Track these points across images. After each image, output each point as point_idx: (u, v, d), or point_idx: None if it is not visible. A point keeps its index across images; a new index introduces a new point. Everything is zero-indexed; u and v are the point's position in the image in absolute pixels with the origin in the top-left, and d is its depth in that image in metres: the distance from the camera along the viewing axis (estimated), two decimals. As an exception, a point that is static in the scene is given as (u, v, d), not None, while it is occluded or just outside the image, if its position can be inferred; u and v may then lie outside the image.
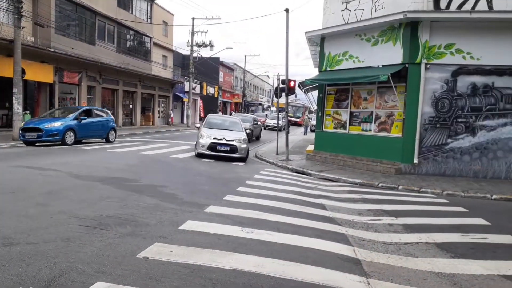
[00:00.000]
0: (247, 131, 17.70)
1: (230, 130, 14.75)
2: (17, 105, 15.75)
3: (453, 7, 11.64)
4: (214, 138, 13.47)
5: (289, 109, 42.63)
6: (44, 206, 5.64)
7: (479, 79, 11.69)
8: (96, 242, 4.28)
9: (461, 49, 11.65)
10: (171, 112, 36.34)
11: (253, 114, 37.70)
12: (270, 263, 4.11)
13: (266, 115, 42.85)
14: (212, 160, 13.04)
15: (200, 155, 13.51)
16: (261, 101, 66.67)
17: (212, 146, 13.28)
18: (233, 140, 13.58)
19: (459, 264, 4.65)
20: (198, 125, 15.31)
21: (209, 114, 16.36)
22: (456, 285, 4.05)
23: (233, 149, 13.42)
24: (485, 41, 11.49)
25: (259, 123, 27.38)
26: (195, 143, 15.12)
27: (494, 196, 9.28)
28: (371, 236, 5.69)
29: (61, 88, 21.92)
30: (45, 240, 4.23)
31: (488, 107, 11.69)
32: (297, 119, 46.05)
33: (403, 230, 6.15)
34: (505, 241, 5.73)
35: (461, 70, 11.77)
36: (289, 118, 35.66)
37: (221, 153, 13.32)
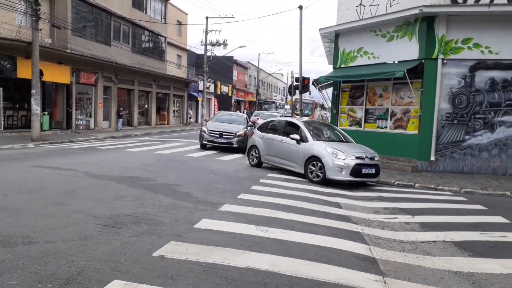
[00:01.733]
0: (240, 134, 15.36)
1: (344, 141, 10.94)
2: (36, 106, 16.06)
3: (471, 0, 11.39)
4: (356, 157, 9.45)
5: (297, 106, 39.61)
6: (62, 205, 5.74)
7: (498, 74, 11.43)
8: (112, 240, 4.34)
9: (479, 43, 11.40)
10: (190, 111, 36.54)
11: (267, 112, 35.83)
12: (285, 261, 4.10)
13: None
14: (226, 159, 13.07)
15: (326, 182, 9.47)
16: (275, 99, 66.48)
17: (357, 170, 9.31)
18: (374, 158, 9.87)
19: (478, 263, 4.56)
20: (299, 138, 10.36)
21: (304, 122, 11.39)
22: (475, 284, 3.98)
23: (377, 170, 9.77)
24: (504, 35, 11.22)
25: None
26: (247, 151, 12.35)
27: (514, 194, 9.07)
28: (387, 235, 5.63)
29: (78, 89, 22.25)
30: (63, 238, 4.30)
31: (508, 102, 11.42)
32: (306, 117, 38.72)
33: (420, 228, 6.06)
34: (526, 239, 5.60)
35: (479, 65, 11.52)
36: (297, 115, 32.92)
37: (365, 178, 9.62)
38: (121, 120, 25.65)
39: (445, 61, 11.66)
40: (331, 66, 16.19)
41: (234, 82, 51.12)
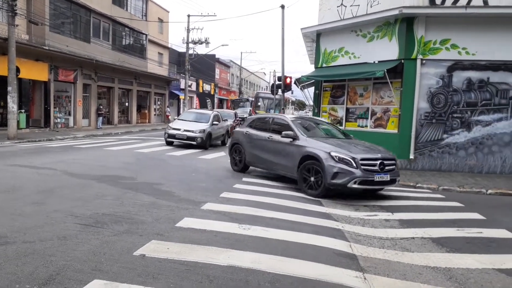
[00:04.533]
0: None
1: None
2: (12, 104, 15.67)
3: (448, 2, 11.64)
4: None
5: (260, 103, 31.91)
6: (40, 204, 5.62)
7: (474, 74, 11.72)
8: (92, 240, 4.28)
9: (456, 44, 11.66)
10: (168, 109, 36.19)
11: (240, 110, 33.06)
12: (267, 259, 4.12)
13: None
14: (209, 157, 13.02)
15: None
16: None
17: None
18: None
19: (455, 259, 4.68)
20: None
21: None
22: (452, 279, 4.08)
23: None
24: (481, 36, 11.51)
25: (228, 122, 19.43)
26: None
27: (489, 191, 9.32)
28: (367, 232, 5.71)
29: (56, 86, 21.78)
30: (41, 238, 4.22)
31: (484, 102, 11.72)
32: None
33: (399, 225, 6.18)
34: (500, 235, 5.77)
35: (457, 66, 11.79)
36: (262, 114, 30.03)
37: None
38: (101, 118, 25.25)
39: (424, 61, 11.88)
40: (313, 65, 16.30)
41: (216, 81, 50.90)
